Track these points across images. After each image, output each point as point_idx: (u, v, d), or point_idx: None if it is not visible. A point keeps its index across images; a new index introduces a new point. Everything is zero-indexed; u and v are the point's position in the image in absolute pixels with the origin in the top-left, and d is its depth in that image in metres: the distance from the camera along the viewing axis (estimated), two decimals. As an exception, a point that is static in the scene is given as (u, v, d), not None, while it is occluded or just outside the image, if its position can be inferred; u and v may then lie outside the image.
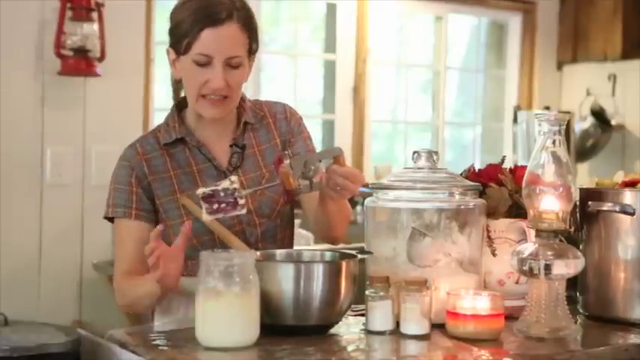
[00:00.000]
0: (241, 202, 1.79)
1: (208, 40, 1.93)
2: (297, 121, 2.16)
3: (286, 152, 2.06)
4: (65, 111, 3.72)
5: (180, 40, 1.95)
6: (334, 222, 2.05)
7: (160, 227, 1.84)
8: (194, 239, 1.99)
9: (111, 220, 2.05)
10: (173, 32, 1.99)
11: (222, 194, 1.76)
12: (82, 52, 3.63)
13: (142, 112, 3.93)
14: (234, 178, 1.84)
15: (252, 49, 2.02)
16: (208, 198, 1.78)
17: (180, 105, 2.10)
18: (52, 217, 3.71)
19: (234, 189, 1.78)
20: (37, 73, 3.66)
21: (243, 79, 2.02)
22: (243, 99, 2.11)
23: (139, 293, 1.95)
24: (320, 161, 1.89)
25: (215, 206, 1.77)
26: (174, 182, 2.03)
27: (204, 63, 1.94)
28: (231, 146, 2.08)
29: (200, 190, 1.80)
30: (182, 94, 2.11)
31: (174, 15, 2.00)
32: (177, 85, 2.12)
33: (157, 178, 2.03)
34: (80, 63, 3.64)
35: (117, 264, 2.04)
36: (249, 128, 2.11)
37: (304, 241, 3.98)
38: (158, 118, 3.93)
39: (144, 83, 3.93)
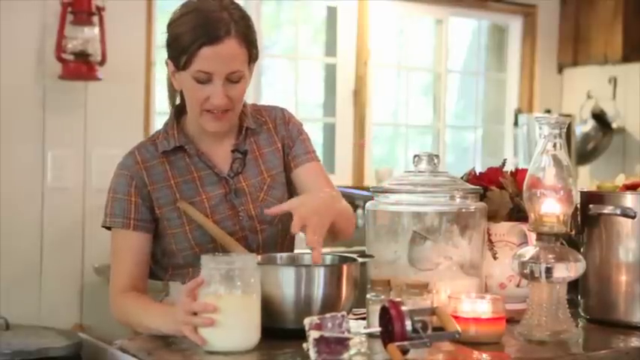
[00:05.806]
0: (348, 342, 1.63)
1: (207, 58, 1.89)
2: (295, 124, 2.15)
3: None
4: (66, 114, 3.73)
5: (179, 55, 1.92)
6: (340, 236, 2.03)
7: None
8: (196, 247, 1.99)
9: (109, 228, 2.02)
10: (172, 46, 1.95)
11: (329, 324, 1.61)
12: (82, 56, 3.63)
13: (142, 115, 3.93)
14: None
15: (252, 58, 1.99)
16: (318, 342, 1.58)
17: (178, 111, 2.08)
18: (53, 220, 3.71)
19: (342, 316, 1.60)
20: (38, 77, 3.66)
21: (244, 91, 1.99)
22: (244, 104, 2.08)
23: (144, 322, 1.85)
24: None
25: (325, 349, 1.61)
26: (175, 191, 2.00)
27: (204, 80, 1.92)
28: (232, 152, 2.07)
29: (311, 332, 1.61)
30: (178, 101, 2.09)
31: (172, 28, 1.96)
32: (173, 92, 2.08)
33: (157, 188, 2.00)
34: (81, 67, 3.64)
35: (114, 276, 1.98)
36: (250, 133, 2.09)
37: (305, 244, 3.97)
38: (159, 121, 3.92)
39: (145, 87, 3.93)
